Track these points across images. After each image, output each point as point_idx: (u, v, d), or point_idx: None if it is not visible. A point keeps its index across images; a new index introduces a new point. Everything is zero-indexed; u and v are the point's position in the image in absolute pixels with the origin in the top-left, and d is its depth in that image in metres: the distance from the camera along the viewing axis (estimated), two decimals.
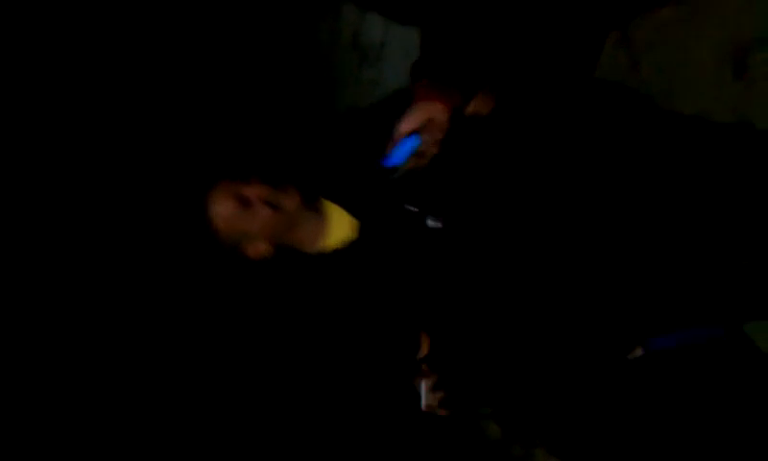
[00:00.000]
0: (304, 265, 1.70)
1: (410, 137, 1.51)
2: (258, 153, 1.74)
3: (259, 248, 1.63)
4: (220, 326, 2.21)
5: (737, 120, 2.07)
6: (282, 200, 1.62)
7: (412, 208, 1.69)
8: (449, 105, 1.53)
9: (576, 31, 1.97)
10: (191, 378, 2.38)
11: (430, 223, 1.68)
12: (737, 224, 1.74)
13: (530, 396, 2.24)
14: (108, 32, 2.41)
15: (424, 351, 1.83)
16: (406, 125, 1.52)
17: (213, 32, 2.61)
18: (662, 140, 1.78)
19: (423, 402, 1.83)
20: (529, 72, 1.82)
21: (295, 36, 2.76)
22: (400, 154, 1.51)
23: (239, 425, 2.42)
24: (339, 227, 1.68)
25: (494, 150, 1.68)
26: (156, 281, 2.19)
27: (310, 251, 1.69)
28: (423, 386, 1.83)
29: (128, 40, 2.43)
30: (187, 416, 2.41)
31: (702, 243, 1.74)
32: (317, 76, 2.71)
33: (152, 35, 2.47)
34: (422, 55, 1.64)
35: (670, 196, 1.71)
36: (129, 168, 2.29)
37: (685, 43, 2.30)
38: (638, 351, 1.96)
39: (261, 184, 1.61)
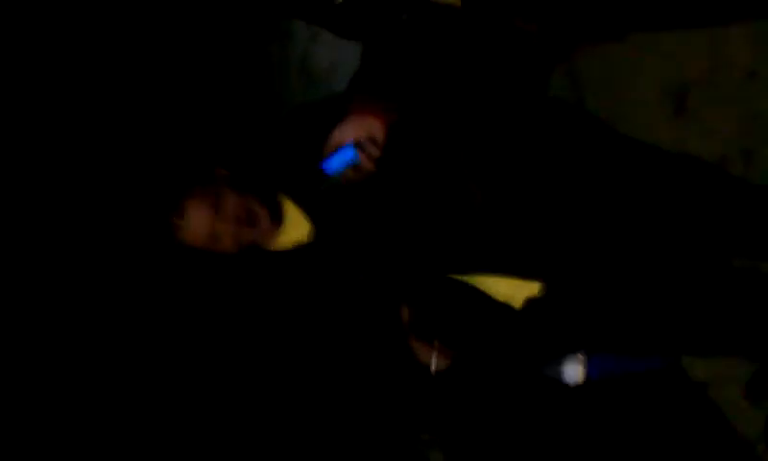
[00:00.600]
0: (263, 262, 1.71)
1: (346, 148, 1.52)
2: (224, 157, 1.72)
3: (229, 243, 1.62)
4: (183, 321, 2.21)
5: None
6: (255, 203, 1.62)
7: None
8: (385, 121, 1.55)
9: (521, 62, 2.01)
10: (163, 375, 2.36)
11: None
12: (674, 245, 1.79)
13: (475, 419, 2.26)
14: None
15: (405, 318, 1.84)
16: (341, 134, 1.54)
17: (168, 51, 2.61)
18: (604, 160, 1.82)
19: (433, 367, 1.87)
20: (472, 95, 1.85)
21: (245, 57, 2.76)
22: (337, 163, 1.52)
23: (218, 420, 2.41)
24: (295, 226, 1.69)
25: (431, 169, 1.71)
26: (125, 280, 2.18)
27: (267, 248, 1.69)
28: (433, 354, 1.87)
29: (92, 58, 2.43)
30: (166, 411, 2.39)
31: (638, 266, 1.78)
32: (265, 98, 2.72)
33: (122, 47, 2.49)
34: (361, 68, 1.65)
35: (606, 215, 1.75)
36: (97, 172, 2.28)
37: (629, 79, 2.35)
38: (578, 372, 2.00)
39: (236, 189, 1.61)
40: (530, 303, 1.75)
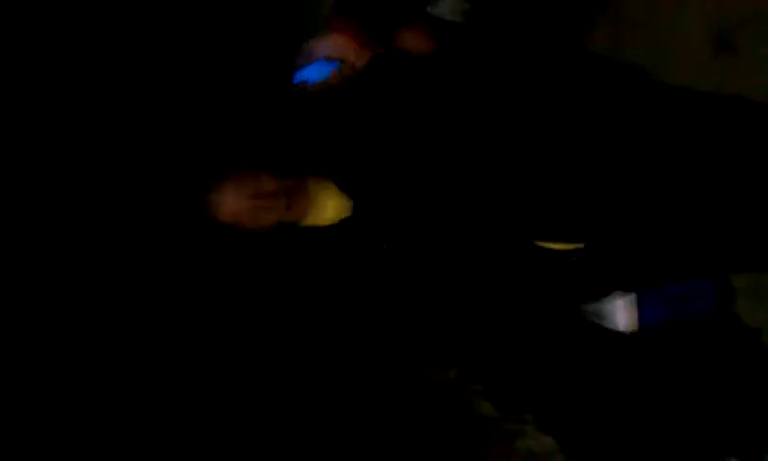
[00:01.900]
0: (300, 238, 1.73)
1: (321, 61, 1.54)
2: (263, 143, 1.73)
3: (259, 221, 1.64)
4: (220, 302, 2.23)
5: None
6: (293, 197, 1.63)
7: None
8: (361, 46, 1.56)
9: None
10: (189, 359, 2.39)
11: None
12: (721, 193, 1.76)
13: (522, 369, 2.27)
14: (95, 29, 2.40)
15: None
16: (317, 47, 1.55)
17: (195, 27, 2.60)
18: (639, 104, 1.79)
19: None
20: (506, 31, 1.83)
21: (279, 17, 2.73)
22: (310, 72, 1.55)
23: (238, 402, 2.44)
24: (332, 206, 1.70)
25: (426, 94, 1.69)
26: (156, 266, 2.20)
27: (303, 225, 1.71)
28: None
29: (115, 35, 2.41)
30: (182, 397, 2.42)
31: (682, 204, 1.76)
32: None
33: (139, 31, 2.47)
34: None
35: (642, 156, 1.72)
36: (131, 156, 2.28)
37: (672, 20, 2.31)
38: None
39: (273, 181, 1.62)
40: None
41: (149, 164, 2.13)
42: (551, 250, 1.75)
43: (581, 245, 1.75)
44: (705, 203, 1.72)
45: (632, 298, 2.17)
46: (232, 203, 1.62)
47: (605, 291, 2.01)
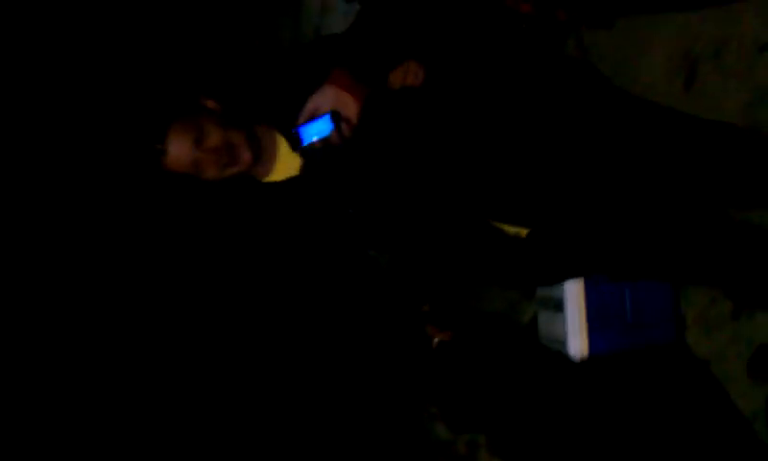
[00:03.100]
0: (254, 192, 1.74)
1: (322, 118, 1.58)
2: (217, 88, 1.75)
3: (212, 172, 1.66)
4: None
5: None
6: (234, 164, 1.65)
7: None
8: (359, 97, 1.59)
9: (518, 42, 2.00)
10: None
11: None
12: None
13: (475, 391, 2.27)
14: None
15: None
16: (317, 104, 1.59)
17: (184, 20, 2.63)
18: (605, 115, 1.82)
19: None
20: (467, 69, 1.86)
21: (257, 30, 2.78)
22: (311, 132, 1.58)
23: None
24: (286, 163, 1.72)
25: (424, 126, 1.73)
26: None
27: (258, 179, 1.73)
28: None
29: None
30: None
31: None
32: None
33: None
34: (351, 34, 1.68)
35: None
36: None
37: (640, 53, 2.33)
38: None
39: (217, 120, 1.64)
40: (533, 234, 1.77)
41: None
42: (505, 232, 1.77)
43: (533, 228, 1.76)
44: (657, 204, 1.75)
45: (583, 325, 2.19)
46: (176, 151, 1.64)
47: (555, 275, 2.03)
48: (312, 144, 1.60)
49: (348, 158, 1.71)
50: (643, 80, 2.31)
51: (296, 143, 1.62)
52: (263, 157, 1.71)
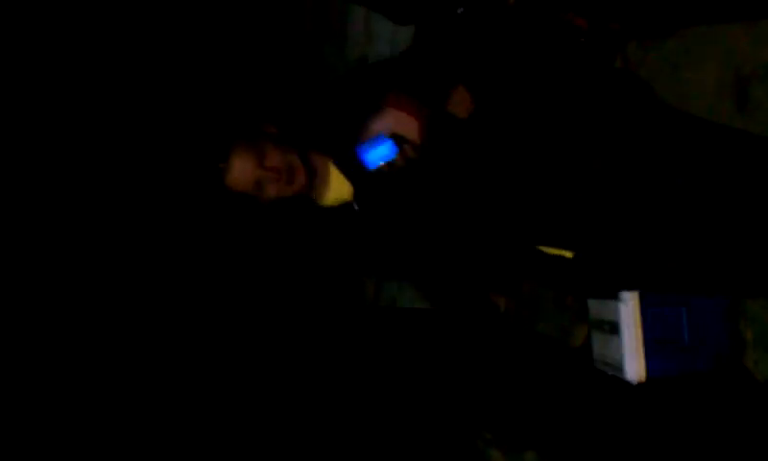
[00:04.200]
0: (310, 214, 1.76)
1: (383, 143, 1.58)
2: (275, 114, 1.78)
3: (272, 192, 1.69)
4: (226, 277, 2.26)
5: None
6: (292, 182, 1.68)
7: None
8: (419, 119, 1.60)
9: (576, 59, 2.00)
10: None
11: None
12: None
13: (531, 417, 2.25)
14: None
15: None
16: (378, 125, 1.59)
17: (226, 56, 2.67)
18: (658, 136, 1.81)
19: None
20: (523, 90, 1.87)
21: (302, 57, 2.80)
22: (374, 156, 1.58)
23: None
24: (338, 187, 1.74)
25: (473, 152, 1.74)
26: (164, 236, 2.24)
27: (314, 201, 1.76)
28: None
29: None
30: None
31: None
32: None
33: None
34: (408, 58, 1.69)
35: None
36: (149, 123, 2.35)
37: (688, 73, 2.32)
38: None
39: (276, 160, 1.67)
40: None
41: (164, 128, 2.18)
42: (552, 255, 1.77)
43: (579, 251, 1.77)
44: (708, 222, 1.74)
45: (640, 348, 2.17)
46: (240, 170, 1.67)
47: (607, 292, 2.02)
48: (378, 168, 1.60)
49: (408, 183, 1.71)
50: (693, 99, 2.29)
51: (359, 168, 1.62)
52: (316, 181, 1.74)
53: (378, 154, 1.59)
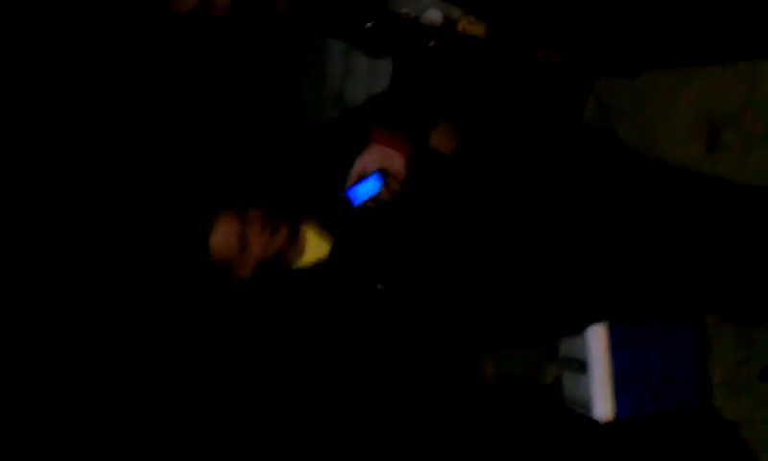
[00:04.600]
0: (283, 281, 1.76)
1: (370, 179, 1.59)
2: (252, 183, 1.79)
3: (247, 271, 1.68)
4: (206, 337, 2.24)
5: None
6: (274, 240, 1.68)
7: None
8: (404, 152, 1.62)
9: (547, 93, 2.02)
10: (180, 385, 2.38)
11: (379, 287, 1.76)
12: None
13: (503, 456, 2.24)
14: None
15: None
16: (364, 164, 1.61)
17: (205, 81, 2.67)
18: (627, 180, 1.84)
19: None
20: (500, 123, 1.89)
21: (280, 89, 2.81)
22: (361, 193, 1.59)
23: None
24: (315, 247, 1.74)
25: (455, 188, 1.76)
26: (149, 290, 2.23)
27: (288, 267, 1.75)
28: None
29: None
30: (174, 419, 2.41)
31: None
32: (299, 130, 2.75)
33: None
34: (381, 100, 1.72)
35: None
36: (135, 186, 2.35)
37: (661, 113, 2.34)
38: None
39: (259, 223, 1.67)
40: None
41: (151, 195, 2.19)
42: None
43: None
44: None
45: (608, 387, 2.16)
46: (224, 229, 1.67)
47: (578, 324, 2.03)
48: (363, 204, 1.60)
49: (391, 219, 1.72)
50: (665, 140, 2.31)
51: (346, 207, 1.62)
52: (296, 239, 1.74)
53: (364, 189, 1.60)
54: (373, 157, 1.63)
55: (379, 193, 1.61)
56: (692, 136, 2.28)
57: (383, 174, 1.61)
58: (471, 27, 1.70)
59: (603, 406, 2.15)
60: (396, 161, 1.63)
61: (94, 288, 2.35)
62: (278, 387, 2.30)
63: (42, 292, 2.35)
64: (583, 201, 1.79)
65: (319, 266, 1.76)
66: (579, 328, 2.14)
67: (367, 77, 2.67)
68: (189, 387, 2.40)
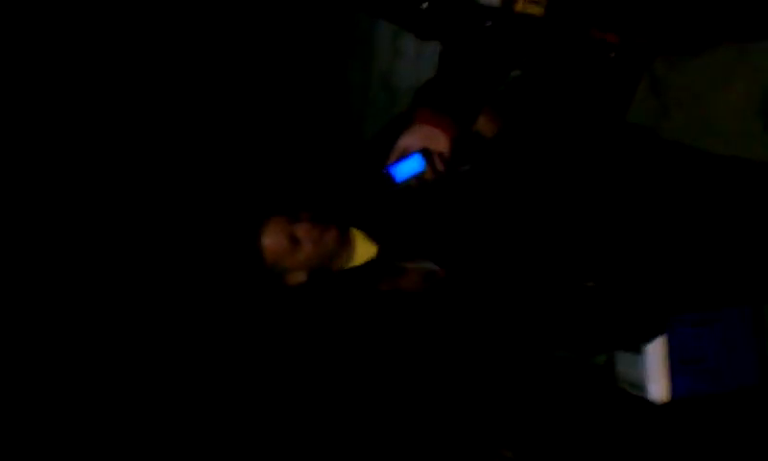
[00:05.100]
0: (333, 285, 1.77)
1: (413, 158, 1.59)
2: (303, 187, 1.80)
3: (298, 278, 1.70)
4: (253, 345, 2.25)
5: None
6: (325, 237, 1.69)
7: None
8: (449, 133, 1.61)
9: (603, 73, 2.01)
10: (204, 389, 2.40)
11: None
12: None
13: (553, 436, 2.23)
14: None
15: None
16: (407, 142, 1.60)
17: (251, 69, 2.67)
18: (679, 179, 1.83)
19: None
20: (551, 109, 1.88)
21: (328, 73, 2.81)
22: (404, 171, 1.59)
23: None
24: (363, 251, 1.75)
25: (496, 172, 1.76)
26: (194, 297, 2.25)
27: (336, 271, 1.76)
28: None
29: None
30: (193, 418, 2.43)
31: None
32: (348, 112, 2.76)
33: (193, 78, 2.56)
34: (436, 75, 1.72)
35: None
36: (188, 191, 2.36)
37: (714, 96, 2.31)
38: None
39: (309, 223, 1.68)
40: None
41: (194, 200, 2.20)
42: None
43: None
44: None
45: (664, 368, 2.15)
46: (272, 242, 1.68)
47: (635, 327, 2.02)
48: (406, 182, 1.60)
49: (434, 200, 1.72)
50: (721, 118, 2.28)
51: (387, 184, 1.63)
52: (345, 243, 1.75)
53: (407, 167, 1.60)
54: (417, 136, 1.63)
55: (423, 173, 1.61)
56: (750, 114, 2.24)
57: (427, 154, 1.60)
58: (530, 6, 1.69)
59: (659, 388, 2.13)
60: (441, 142, 1.63)
61: (145, 298, 2.37)
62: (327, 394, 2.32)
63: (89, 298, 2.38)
64: (634, 187, 1.77)
65: (369, 264, 1.78)
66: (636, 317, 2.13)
67: (415, 60, 2.66)
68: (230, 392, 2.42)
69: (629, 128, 2.06)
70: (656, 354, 2.14)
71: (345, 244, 1.75)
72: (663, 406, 2.14)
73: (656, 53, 2.06)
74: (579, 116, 1.93)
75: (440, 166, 1.63)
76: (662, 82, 2.34)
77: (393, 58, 2.77)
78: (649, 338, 2.10)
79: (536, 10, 1.70)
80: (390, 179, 1.63)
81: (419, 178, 1.61)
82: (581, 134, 1.88)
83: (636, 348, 2.13)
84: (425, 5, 1.79)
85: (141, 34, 2.54)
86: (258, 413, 2.38)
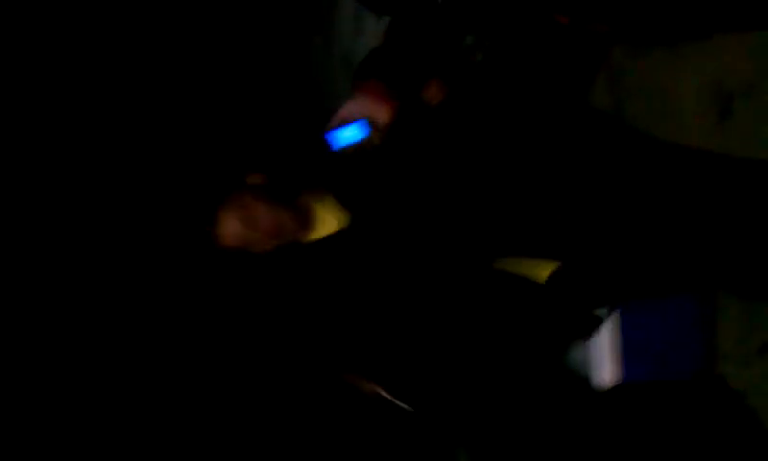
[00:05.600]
0: (299, 254, 1.76)
1: (353, 124, 1.59)
2: (259, 162, 1.78)
3: (264, 246, 1.68)
4: (222, 318, 2.24)
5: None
6: (280, 212, 1.68)
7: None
8: (389, 102, 1.62)
9: (559, 56, 2.02)
10: (192, 375, 2.39)
11: None
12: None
13: (500, 419, 2.24)
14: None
15: None
16: (348, 110, 1.61)
17: (211, 46, 2.65)
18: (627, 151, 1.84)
19: None
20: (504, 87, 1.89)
21: (289, 49, 2.79)
22: (343, 138, 1.60)
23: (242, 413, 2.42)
24: (326, 224, 1.74)
25: (439, 141, 1.75)
26: (159, 280, 2.23)
27: (302, 241, 1.75)
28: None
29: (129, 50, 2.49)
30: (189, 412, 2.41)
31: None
32: (308, 88, 2.75)
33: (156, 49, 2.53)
34: (371, 54, 1.72)
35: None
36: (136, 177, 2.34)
37: (672, 85, 2.33)
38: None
39: (261, 200, 1.67)
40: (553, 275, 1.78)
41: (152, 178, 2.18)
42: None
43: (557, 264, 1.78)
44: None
45: (615, 351, 2.17)
46: (228, 234, 1.67)
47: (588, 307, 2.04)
48: (343, 149, 1.61)
49: (374, 169, 1.72)
50: (677, 109, 2.31)
51: (324, 150, 1.63)
52: (306, 225, 1.74)
53: (346, 135, 1.61)
54: (360, 106, 1.63)
55: (362, 141, 1.62)
56: (704, 106, 2.27)
57: (366, 123, 1.61)
58: None
59: (607, 371, 2.16)
60: (383, 114, 1.63)
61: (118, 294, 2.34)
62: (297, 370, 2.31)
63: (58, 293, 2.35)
64: (588, 171, 1.78)
65: (333, 236, 1.77)
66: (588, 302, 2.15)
67: (376, 38, 2.65)
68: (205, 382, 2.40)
69: (584, 108, 2.07)
70: (603, 340, 2.16)
71: (303, 215, 1.73)
72: (609, 391, 2.16)
73: (613, 42, 2.07)
74: (531, 87, 1.94)
75: (377, 138, 1.64)
76: (619, 73, 2.37)
77: (355, 36, 2.76)
78: (597, 324, 2.12)
79: None
80: (327, 145, 1.64)
81: (357, 146, 1.62)
82: (531, 105, 1.89)
83: (584, 334, 2.15)
84: None
85: None
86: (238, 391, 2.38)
